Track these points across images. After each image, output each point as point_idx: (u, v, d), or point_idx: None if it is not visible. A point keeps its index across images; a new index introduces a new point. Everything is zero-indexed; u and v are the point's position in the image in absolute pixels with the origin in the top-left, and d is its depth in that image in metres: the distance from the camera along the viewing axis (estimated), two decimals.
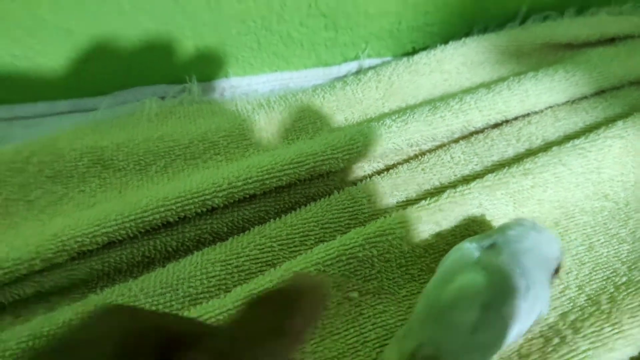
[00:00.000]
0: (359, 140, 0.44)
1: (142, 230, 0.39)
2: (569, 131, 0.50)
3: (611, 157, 0.47)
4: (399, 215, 0.40)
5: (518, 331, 0.33)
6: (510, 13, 0.62)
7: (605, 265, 0.42)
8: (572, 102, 0.54)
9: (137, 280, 0.38)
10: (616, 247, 0.43)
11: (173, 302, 0.36)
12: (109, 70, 0.54)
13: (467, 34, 0.62)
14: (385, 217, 0.40)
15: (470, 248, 0.36)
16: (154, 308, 0.36)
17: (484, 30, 0.62)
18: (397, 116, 0.47)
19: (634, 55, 0.58)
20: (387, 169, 0.47)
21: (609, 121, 0.50)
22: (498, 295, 0.32)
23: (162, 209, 0.39)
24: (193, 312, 0.34)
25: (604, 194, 0.47)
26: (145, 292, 0.36)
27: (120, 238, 0.39)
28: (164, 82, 0.57)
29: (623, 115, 0.51)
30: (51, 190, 0.43)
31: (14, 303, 0.38)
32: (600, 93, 0.55)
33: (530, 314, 0.34)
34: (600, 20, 0.62)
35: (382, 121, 0.46)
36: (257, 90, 0.59)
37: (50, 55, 0.51)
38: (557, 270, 0.39)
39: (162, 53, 0.54)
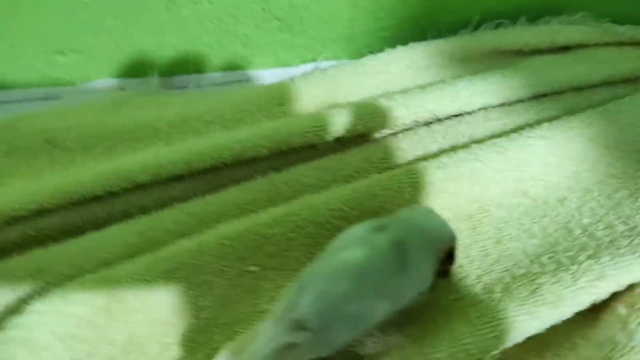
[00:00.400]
0: (283, 130, 0.47)
1: (74, 202, 0.43)
2: (497, 131, 0.52)
3: (534, 157, 0.49)
4: (305, 200, 0.43)
5: (390, 307, 0.35)
6: (462, 21, 0.65)
7: (509, 258, 0.43)
8: (509, 104, 0.55)
9: (62, 244, 0.42)
10: (525, 241, 0.44)
11: (86, 266, 0.40)
12: (78, 63, 0.59)
13: (422, 40, 0.64)
14: (294, 201, 0.43)
15: (358, 229, 0.38)
16: (69, 269, 0.39)
17: (438, 36, 0.65)
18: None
19: (580, 62, 0.59)
20: (312, 157, 0.49)
21: (539, 123, 0.52)
22: (371, 270, 0.35)
23: (92, 184, 0.43)
24: (99, 274, 0.38)
25: (523, 191, 0.48)
26: (63, 255, 0.40)
27: (52, 208, 0.43)
28: (128, 76, 0.61)
29: (555, 118, 0.52)
30: (5, 165, 0.48)
31: None
32: (539, 97, 0.56)
33: (404, 291, 0.36)
34: (550, 29, 0.63)
35: (311, 115, 0.49)
36: (219, 85, 0.63)
37: (29, 51, 0.56)
38: (451, 256, 0.41)
39: (128, 49, 0.59)
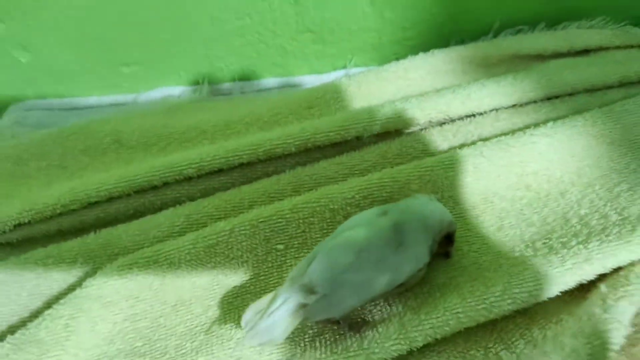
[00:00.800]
0: (309, 130, 0.54)
1: (135, 191, 0.53)
2: (506, 130, 0.56)
3: (537, 153, 0.53)
4: (324, 190, 0.50)
5: (390, 280, 0.41)
6: (484, 28, 0.69)
7: (506, 243, 0.48)
8: (520, 105, 0.59)
9: (126, 225, 0.51)
10: (524, 229, 0.49)
11: (144, 241, 0.49)
12: (139, 74, 0.69)
13: (445, 46, 0.69)
14: (310, 191, 0.50)
15: (365, 213, 0.45)
16: (131, 244, 0.49)
17: (461, 43, 0.70)
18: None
19: (594, 64, 0.62)
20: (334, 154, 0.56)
21: (545, 122, 0.56)
22: (371, 247, 0.41)
23: (149, 175, 0.52)
24: (154, 248, 0.47)
25: (526, 185, 0.52)
26: (126, 232, 0.49)
27: (118, 195, 0.52)
28: (183, 85, 0.71)
29: (562, 118, 0.56)
30: (80, 160, 0.58)
31: (44, 238, 0.53)
32: (552, 99, 0.60)
33: (402, 266, 0.42)
34: (568, 33, 0.66)
35: (334, 117, 0.56)
36: (259, 92, 0.71)
37: (98, 64, 0.67)
38: (450, 239, 0.46)
39: (182, 61, 0.68)
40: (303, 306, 0.39)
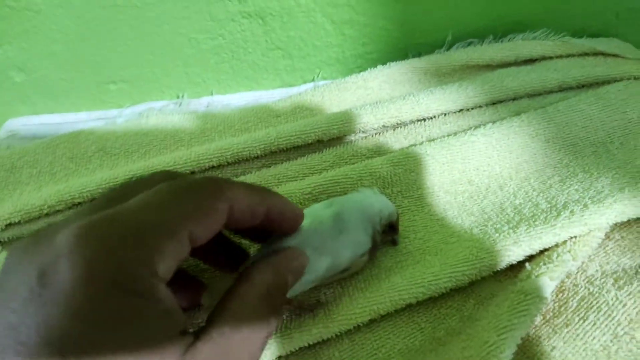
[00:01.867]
0: (272, 135, 0.60)
1: None
2: (452, 132, 0.62)
3: (477, 151, 0.59)
4: (285, 187, 0.55)
5: (331, 263, 0.46)
6: (437, 41, 0.76)
7: (447, 231, 0.53)
8: (467, 110, 0.65)
9: None
10: (464, 218, 0.54)
11: None
12: (125, 91, 0.75)
13: (404, 59, 0.76)
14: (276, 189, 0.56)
15: (314, 207, 0.50)
16: None
17: (418, 55, 0.76)
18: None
19: (535, 72, 0.68)
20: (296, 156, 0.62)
21: (486, 124, 0.61)
22: (312, 234, 0.46)
23: (127, 177, 0.58)
24: None
25: (468, 180, 0.58)
26: None
27: (99, 196, 0.58)
28: (165, 99, 0.77)
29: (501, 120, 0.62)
30: (67, 167, 0.64)
31: None
32: (496, 103, 0.66)
33: (341, 251, 0.47)
34: (514, 44, 0.73)
35: (295, 123, 0.62)
36: (236, 104, 0.78)
37: (88, 82, 0.73)
38: (393, 228, 0.52)
39: (163, 78, 0.75)
40: None
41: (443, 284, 0.47)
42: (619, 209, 0.49)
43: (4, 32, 0.66)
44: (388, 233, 0.52)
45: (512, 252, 0.48)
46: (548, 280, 0.45)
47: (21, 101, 0.75)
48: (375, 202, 0.50)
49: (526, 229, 0.49)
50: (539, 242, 0.48)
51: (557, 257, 0.47)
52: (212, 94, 0.78)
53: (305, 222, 0.47)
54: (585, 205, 0.50)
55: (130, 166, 0.61)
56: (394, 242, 0.53)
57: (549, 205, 0.53)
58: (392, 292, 0.47)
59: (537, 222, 0.50)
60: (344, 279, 0.50)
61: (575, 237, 0.49)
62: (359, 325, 0.47)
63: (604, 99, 0.62)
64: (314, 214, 0.48)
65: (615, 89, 0.63)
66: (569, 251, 0.48)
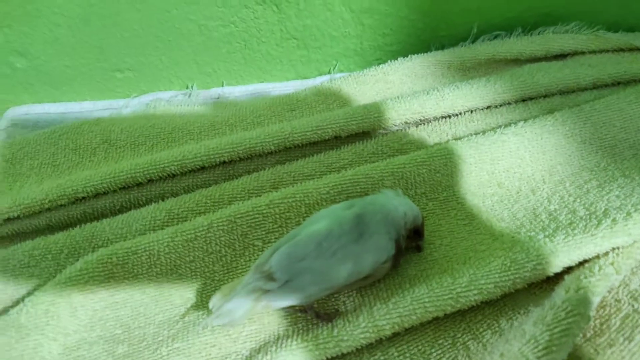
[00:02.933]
0: (287, 129, 0.56)
1: (120, 187, 0.55)
2: (479, 130, 0.58)
3: (507, 151, 0.54)
4: (301, 186, 0.51)
5: (352, 269, 0.42)
6: (462, 34, 0.71)
7: (476, 238, 0.49)
8: (495, 107, 0.61)
9: (109, 219, 0.53)
10: (494, 224, 0.51)
11: (127, 234, 0.51)
12: (132, 79, 0.71)
13: (426, 51, 0.72)
14: (287, 187, 0.52)
15: (332, 207, 0.46)
16: (113, 236, 0.50)
17: (441, 48, 0.72)
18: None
19: (568, 67, 0.64)
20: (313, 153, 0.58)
21: (517, 122, 0.57)
22: (332, 237, 0.42)
23: (133, 172, 0.54)
24: (135, 240, 0.49)
25: (498, 182, 0.54)
26: (110, 226, 0.51)
27: (103, 191, 0.54)
28: (174, 89, 0.73)
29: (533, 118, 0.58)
30: (71, 159, 0.60)
31: (33, 232, 0.55)
32: (526, 100, 0.62)
33: (363, 256, 0.43)
34: (544, 38, 0.68)
35: (311, 117, 0.58)
36: (248, 96, 0.74)
37: (93, 70, 0.70)
38: (419, 233, 0.48)
39: (172, 67, 0.71)
40: (264, 292, 0.41)
41: (473, 296, 0.43)
42: None
43: (4, 14, 0.62)
44: (412, 238, 0.48)
45: (549, 263, 0.44)
46: (590, 296, 0.41)
47: (23, 89, 0.71)
48: (399, 204, 0.46)
49: (564, 238, 0.45)
50: (578, 253, 0.44)
51: (599, 270, 0.43)
52: (222, 85, 0.74)
53: (324, 224, 0.44)
54: (629, 214, 0.46)
55: (137, 160, 0.57)
56: (419, 249, 0.49)
57: (587, 212, 0.49)
58: (416, 303, 0.43)
59: (575, 231, 0.46)
60: (365, 286, 0.47)
61: (618, 248, 0.45)
62: (380, 339, 0.43)
63: None
64: (333, 215, 0.45)
65: None
66: (612, 263, 0.44)
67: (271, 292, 0.41)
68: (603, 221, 0.46)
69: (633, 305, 0.44)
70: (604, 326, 0.43)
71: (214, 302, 0.43)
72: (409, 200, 0.47)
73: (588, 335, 0.43)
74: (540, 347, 0.37)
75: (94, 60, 0.69)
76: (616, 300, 0.45)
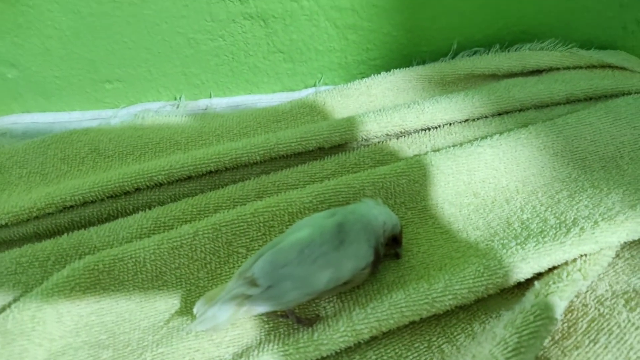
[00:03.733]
0: (272, 140, 0.58)
1: (107, 196, 0.56)
2: (457, 143, 0.60)
3: (483, 163, 0.57)
4: (284, 195, 0.53)
5: (332, 275, 0.44)
6: (443, 49, 0.74)
7: (452, 246, 0.51)
8: (473, 120, 0.63)
9: (96, 227, 0.54)
10: (470, 232, 0.53)
11: (114, 242, 0.52)
12: (121, 90, 0.73)
13: (408, 66, 0.74)
14: (271, 196, 0.53)
15: (315, 215, 0.48)
16: (100, 244, 0.52)
17: (422, 63, 0.74)
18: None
19: (542, 83, 0.67)
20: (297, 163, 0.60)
21: (493, 135, 0.60)
22: (313, 245, 0.44)
23: (121, 181, 0.55)
24: (121, 247, 0.50)
25: (474, 192, 0.56)
26: (97, 234, 0.53)
27: (91, 199, 0.55)
28: (162, 100, 0.75)
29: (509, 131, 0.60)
30: (59, 168, 0.61)
31: (20, 240, 0.56)
32: (502, 114, 0.64)
33: (343, 263, 0.45)
34: (521, 54, 0.71)
35: (296, 129, 0.60)
36: (234, 108, 0.75)
37: (82, 81, 0.71)
38: (397, 241, 0.50)
39: (160, 78, 0.73)
40: (246, 297, 0.42)
41: (448, 301, 0.45)
42: (630, 227, 0.48)
43: None
44: (391, 245, 0.50)
45: (520, 269, 0.46)
46: (558, 300, 0.44)
47: (13, 98, 0.72)
48: (378, 213, 0.48)
49: (534, 246, 0.47)
50: (547, 260, 0.46)
51: (567, 276, 0.45)
52: (210, 97, 0.76)
53: (306, 232, 0.45)
54: (596, 223, 0.48)
55: (125, 169, 0.58)
56: (397, 256, 0.51)
57: (557, 221, 0.51)
58: (394, 308, 0.45)
59: (546, 239, 0.48)
60: (345, 292, 0.48)
61: (586, 255, 0.47)
62: (359, 343, 0.44)
63: (613, 112, 0.61)
64: (315, 224, 0.46)
65: (625, 103, 0.62)
66: (579, 270, 0.46)
67: (254, 297, 0.43)
68: (572, 229, 0.48)
69: (599, 310, 0.46)
70: (571, 329, 0.45)
71: (198, 307, 0.45)
72: (389, 209, 0.49)
73: (556, 337, 0.45)
74: (509, 349, 0.39)
75: (84, 72, 0.71)
76: (583, 304, 0.47)
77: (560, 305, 0.44)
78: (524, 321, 0.42)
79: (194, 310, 0.44)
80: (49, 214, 0.55)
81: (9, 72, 0.69)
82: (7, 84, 0.70)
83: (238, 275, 0.44)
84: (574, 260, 0.47)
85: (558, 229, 0.49)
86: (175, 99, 0.75)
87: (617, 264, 0.50)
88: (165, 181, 0.57)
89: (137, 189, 0.57)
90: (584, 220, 0.49)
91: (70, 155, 0.62)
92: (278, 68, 0.74)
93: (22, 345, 0.43)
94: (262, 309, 0.44)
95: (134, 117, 0.71)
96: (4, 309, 0.47)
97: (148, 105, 0.75)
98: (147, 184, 0.56)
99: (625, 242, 0.50)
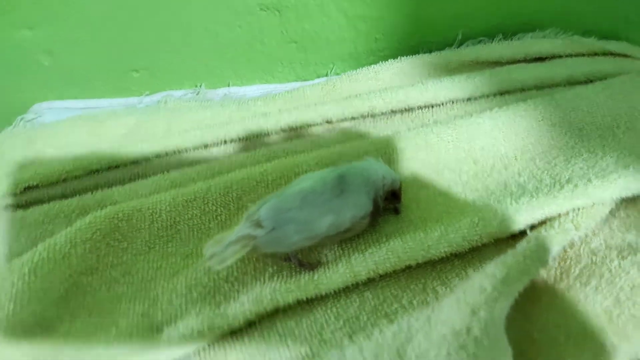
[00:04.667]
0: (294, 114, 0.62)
1: (131, 162, 0.61)
2: (459, 118, 0.63)
3: (482, 132, 0.59)
4: (294, 157, 0.57)
5: (333, 221, 0.47)
6: (448, 39, 0.78)
7: (450, 204, 0.54)
8: (475, 99, 0.66)
9: (118, 187, 0.59)
10: (468, 194, 0.55)
11: (133, 197, 0.56)
12: (147, 79, 0.79)
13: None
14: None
15: (318, 171, 0.51)
16: (120, 200, 0.56)
17: (429, 52, 0.78)
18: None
19: (544, 67, 0.70)
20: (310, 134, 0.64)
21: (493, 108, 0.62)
22: (315, 193, 0.47)
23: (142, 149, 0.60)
24: (141, 200, 0.54)
25: (474, 159, 0.59)
26: (118, 192, 0.57)
27: (115, 164, 0.60)
28: (184, 89, 0.80)
29: None
30: (87, 141, 0.67)
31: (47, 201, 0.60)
32: (503, 94, 0.67)
33: (343, 210, 0.48)
34: (523, 42, 0.74)
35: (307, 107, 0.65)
36: (251, 96, 0.80)
37: (111, 69, 0.77)
38: (395, 195, 0.52)
39: (182, 67, 0.78)
40: (252, 238, 0.46)
41: (443, 248, 0.47)
42: (623, 185, 0.49)
43: (36, 15, 0.70)
44: (390, 200, 0.53)
45: (514, 220, 0.48)
46: (549, 245, 0.45)
47: (48, 86, 0.78)
48: (378, 168, 0.51)
49: (528, 200, 0.50)
50: (540, 212, 0.48)
51: (559, 226, 0.47)
52: (229, 85, 0.81)
53: (309, 183, 0.49)
54: (589, 180, 0.50)
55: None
56: (396, 211, 0.54)
57: (552, 181, 0.53)
58: (391, 253, 0.47)
59: (539, 194, 0.50)
60: (345, 240, 0.51)
61: (579, 209, 0.49)
62: (357, 284, 0.47)
63: (610, 88, 0.63)
64: (318, 176, 0.50)
65: (621, 81, 0.64)
66: (572, 221, 0.48)
67: (259, 239, 0.46)
68: (565, 186, 0.50)
69: (592, 259, 0.47)
70: (564, 275, 0.46)
71: (207, 248, 0.48)
72: (388, 167, 0.52)
73: (549, 282, 0.46)
74: (497, 280, 0.41)
75: (113, 60, 0.76)
76: (577, 255, 0.48)
77: (550, 249, 0.45)
78: (514, 260, 0.44)
79: (204, 251, 0.47)
80: (76, 177, 0.60)
81: (45, 60, 0.75)
82: (43, 72, 0.77)
83: (245, 218, 0.47)
84: (567, 213, 0.49)
85: (552, 187, 0.51)
86: (196, 87, 0.80)
87: (613, 223, 0.51)
88: (183, 149, 0.61)
89: (157, 156, 0.61)
90: (578, 179, 0.51)
91: (100, 132, 0.67)
92: (292, 58, 0.79)
93: None
94: (266, 249, 0.47)
95: (157, 104, 0.77)
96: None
97: (171, 93, 0.80)
98: (167, 152, 0.61)
99: (621, 202, 0.52)
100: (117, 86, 0.80)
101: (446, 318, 0.39)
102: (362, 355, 0.40)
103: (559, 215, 0.49)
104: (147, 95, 0.80)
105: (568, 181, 0.52)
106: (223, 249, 0.46)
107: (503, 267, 0.43)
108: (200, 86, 0.80)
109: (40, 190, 0.60)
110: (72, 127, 0.68)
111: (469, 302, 0.39)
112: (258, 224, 0.46)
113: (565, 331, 0.42)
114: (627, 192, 0.50)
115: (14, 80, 0.78)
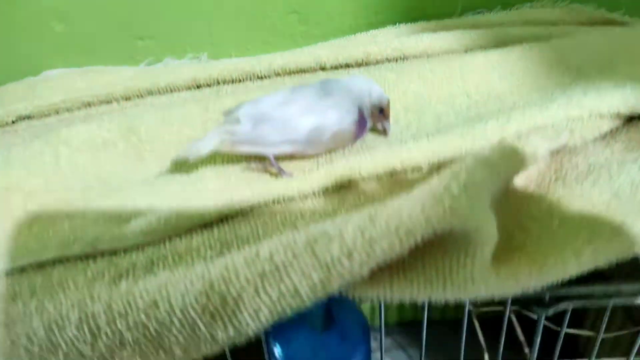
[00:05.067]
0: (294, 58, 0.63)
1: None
2: (453, 57, 0.63)
3: (476, 70, 0.58)
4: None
5: (315, 122, 0.46)
6: (447, 12, 0.79)
7: (442, 129, 0.52)
8: (471, 50, 0.66)
9: None
10: (459, 122, 0.53)
11: None
12: (151, 46, 0.81)
13: None
14: None
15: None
16: None
17: None
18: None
19: (542, 28, 0.69)
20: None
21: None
22: (298, 95, 0.47)
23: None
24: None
25: (467, 94, 0.57)
26: None
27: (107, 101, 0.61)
28: (187, 58, 0.82)
29: None
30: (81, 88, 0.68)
31: None
32: (500, 45, 0.67)
33: (328, 112, 0.47)
34: (522, 11, 0.75)
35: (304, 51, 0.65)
36: None
37: (118, 37, 0.80)
38: (384, 113, 0.51)
39: (187, 36, 0.80)
40: (231, 133, 0.44)
41: (428, 158, 0.45)
42: (619, 98, 0.47)
43: None
44: (378, 118, 0.51)
45: (504, 129, 0.46)
46: (539, 139, 0.43)
47: (57, 53, 0.81)
48: (365, 82, 0.50)
49: (521, 113, 0.48)
50: (531, 121, 0.47)
51: (552, 128, 0.45)
52: (231, 57, 0.82)
53: (289, 87, 0.48)
54: (585, 93, 0.48)
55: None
56: (385, 132, 0.52)
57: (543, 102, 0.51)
58: (373, 159, 0.45)
59: (532, 107, 0.48)
60: (329, 152, 0.49)
61: (574, 120, 0.47)
62: (338, 187, 0.44)
63: (608, 35, 0.62)
64: (302, 83, 0.49)
65: (620, 29, 0.63)
66: (566, 126, 0.45)
67: (237, 135, 0.45)
68: (558, 99, 0.48)
69: (590, 166, 0.45)
70: (559, 177, 0.43)
71: (182, 149, 0.47)
72: (376, 85, 0.51)
73: (543, 184, 0.43)
74: (462, 177, 0.36)
75: (120, 28, 0.79)
76: (575, 163, 0.45)
77: (540, 144, 0.43)
78: (503, 152, 0.41)
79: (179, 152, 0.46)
80: (67, 108, 0.60)
81: (57, 25, 0.78)
82: (54, 38, 0.79)
83: (224, 115, 0.46)
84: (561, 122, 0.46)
85: (542, 104, 0.49)
86: (198, 57, 0.82)
87: (614, 146, 0.49)
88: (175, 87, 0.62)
89: (150, 93, 0.62)
90: (574, 94, 0.49)
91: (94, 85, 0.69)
92: (293, 30, 0.80)
93: None
94: (244, 148, 0.45)
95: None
96: None
97: (174, 61, 0.82)
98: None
99: (622, 125, 0.49)
100: (121, 55, 0.82)
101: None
102: None
103: (553, 125, 0.46)
104: (148, 64, 0.82)
105: (561, 98, 0.50)
106: (200, 141, 0.45)
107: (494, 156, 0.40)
108: (203, 56, 0.81)
109: (35, 121, 0.60)
110: (71, 75, 0.70)
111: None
112: (236, 120, 0.45)
113: (559, 218, 0.38)
114: (624, 107, 0.47)
115: (25, 47, 0.81)
